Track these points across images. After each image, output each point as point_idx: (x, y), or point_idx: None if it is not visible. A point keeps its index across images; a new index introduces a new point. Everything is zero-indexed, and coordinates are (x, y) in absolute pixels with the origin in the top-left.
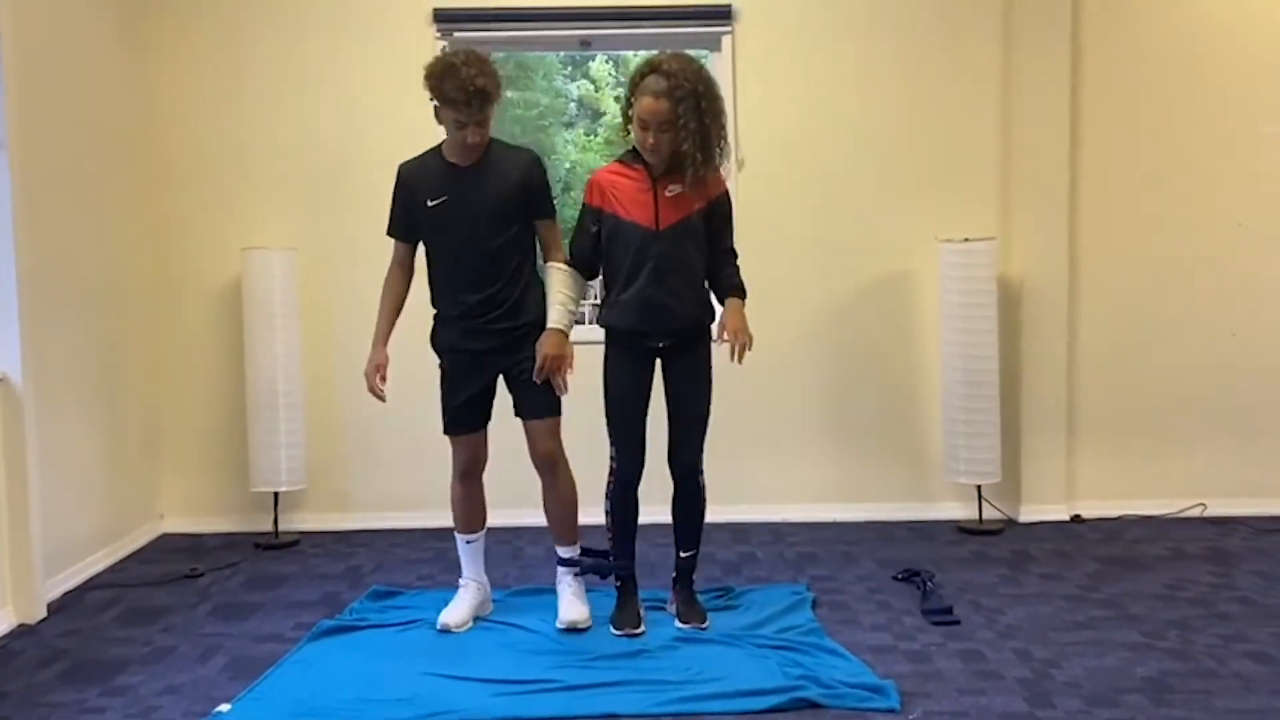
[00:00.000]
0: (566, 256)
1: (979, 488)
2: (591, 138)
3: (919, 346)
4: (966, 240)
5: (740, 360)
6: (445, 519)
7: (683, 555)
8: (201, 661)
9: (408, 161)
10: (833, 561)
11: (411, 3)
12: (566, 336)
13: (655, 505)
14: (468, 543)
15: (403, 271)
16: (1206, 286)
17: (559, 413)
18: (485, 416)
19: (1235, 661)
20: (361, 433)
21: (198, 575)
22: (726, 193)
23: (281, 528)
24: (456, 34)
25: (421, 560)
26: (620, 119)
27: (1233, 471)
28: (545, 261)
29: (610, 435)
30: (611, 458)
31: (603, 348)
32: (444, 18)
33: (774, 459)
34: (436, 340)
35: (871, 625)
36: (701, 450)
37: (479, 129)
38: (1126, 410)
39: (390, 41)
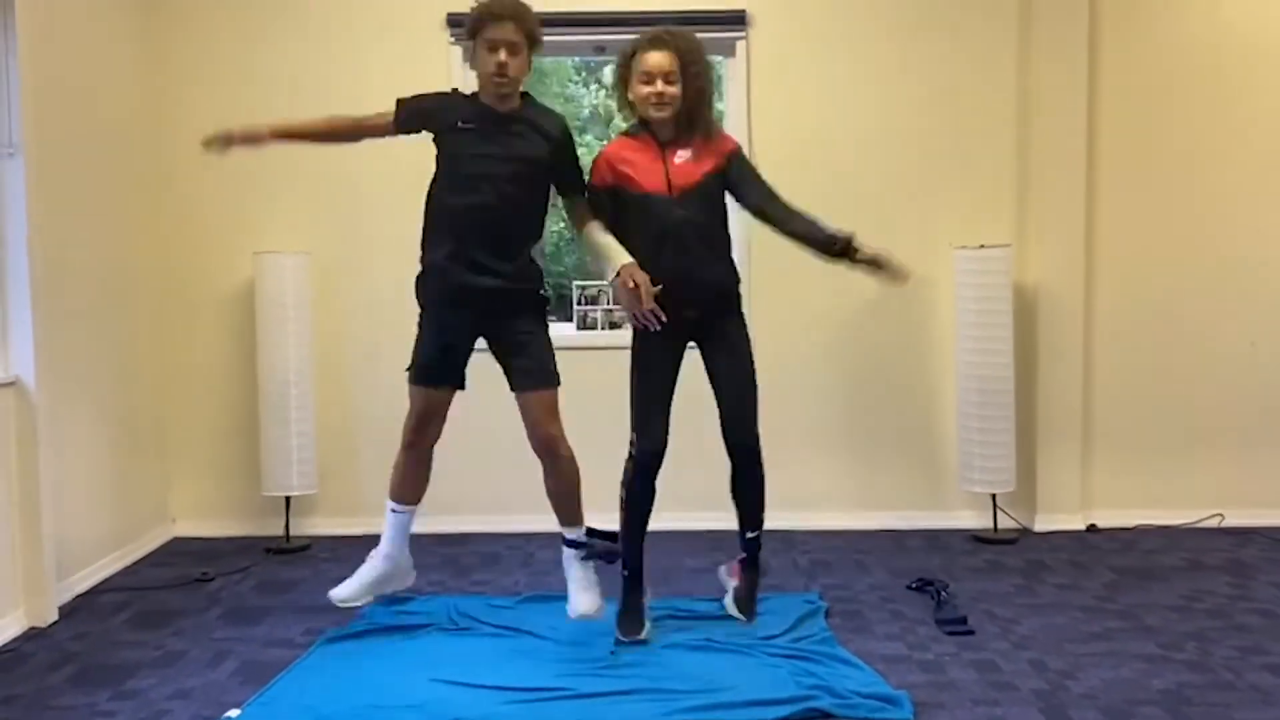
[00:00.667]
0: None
1: (994, 496)
2: (604, 143)
3: (934, 353)
4: (982, 247)
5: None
6: (456, 524)
7: (749, 536)
8: (212, 666)
9: (458, 91)
10: (846, 570)
11: (425, 8)
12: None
13: (670, 511)
14: (394, 512)
15: (358, 128)
16: (1225, 295)
17: (558, 383)
18: (458, 376)
19: (1253, 674)
20: (373, 438)
21: (209, 579)
22: (739, 147)
23: (293, 532)
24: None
25: (432, 566)
26: (616, 97)
27: (1251, 482)
28: (580, 229)
29: (632, 417)
30: (631, 443)
31: (613, 353)
32: (458, 22)
33: (786, 466)
34: (423, 289)
35: (885, 635)
36: (756, 423)
37: (512, 54)
38: (1143, 419)
39: (404, 46)
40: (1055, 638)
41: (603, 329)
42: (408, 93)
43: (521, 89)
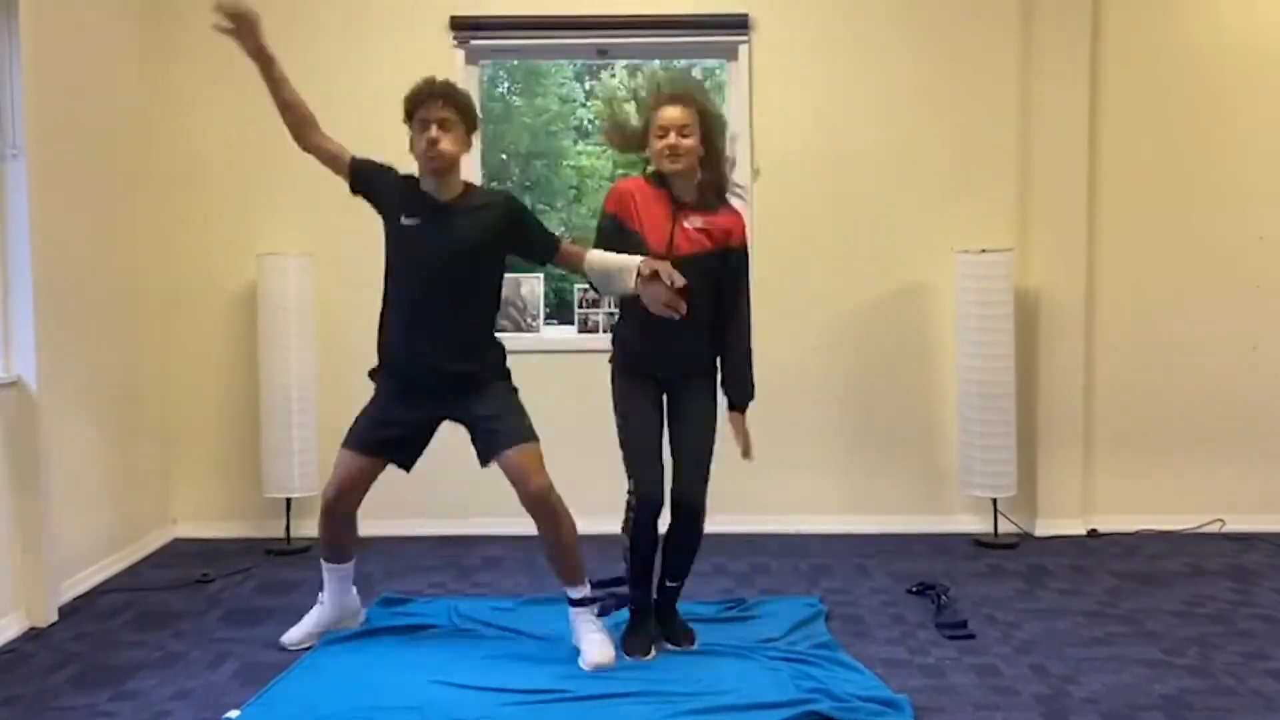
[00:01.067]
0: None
1: (995, 501)
2: (604, 148)
3: (935, 358)
4: (984, 251)
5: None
6: (457, 527)
7: (669, 584)
8: (212, 667)
9: (401, 173)
10: (846, 574)
11: (429, 10)
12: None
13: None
14: (330, 573)
15: (315, 136)
16: (1226, 299)
17: (536, 438)
18: (398, 455)
19: (1255, 680)
20: None
21: (209, 581)
22: (746, 246)
23: (294, 534)
24: (473, 42)
25: (432, 568)
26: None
27: (1252, 487)
28: (579, 265)
29: (627, 465)
30: (630, 491)
31: (596, 356)
32: (461, 25)
33: (787, 470)
34: (381, 378)
35: (885, 639)
36: (705, 483)
37: (444, 129)
38: (1144, 424)
39: (408, 49)
40: (1056, 642)
41: (604, 332)
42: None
43: (465, 178)
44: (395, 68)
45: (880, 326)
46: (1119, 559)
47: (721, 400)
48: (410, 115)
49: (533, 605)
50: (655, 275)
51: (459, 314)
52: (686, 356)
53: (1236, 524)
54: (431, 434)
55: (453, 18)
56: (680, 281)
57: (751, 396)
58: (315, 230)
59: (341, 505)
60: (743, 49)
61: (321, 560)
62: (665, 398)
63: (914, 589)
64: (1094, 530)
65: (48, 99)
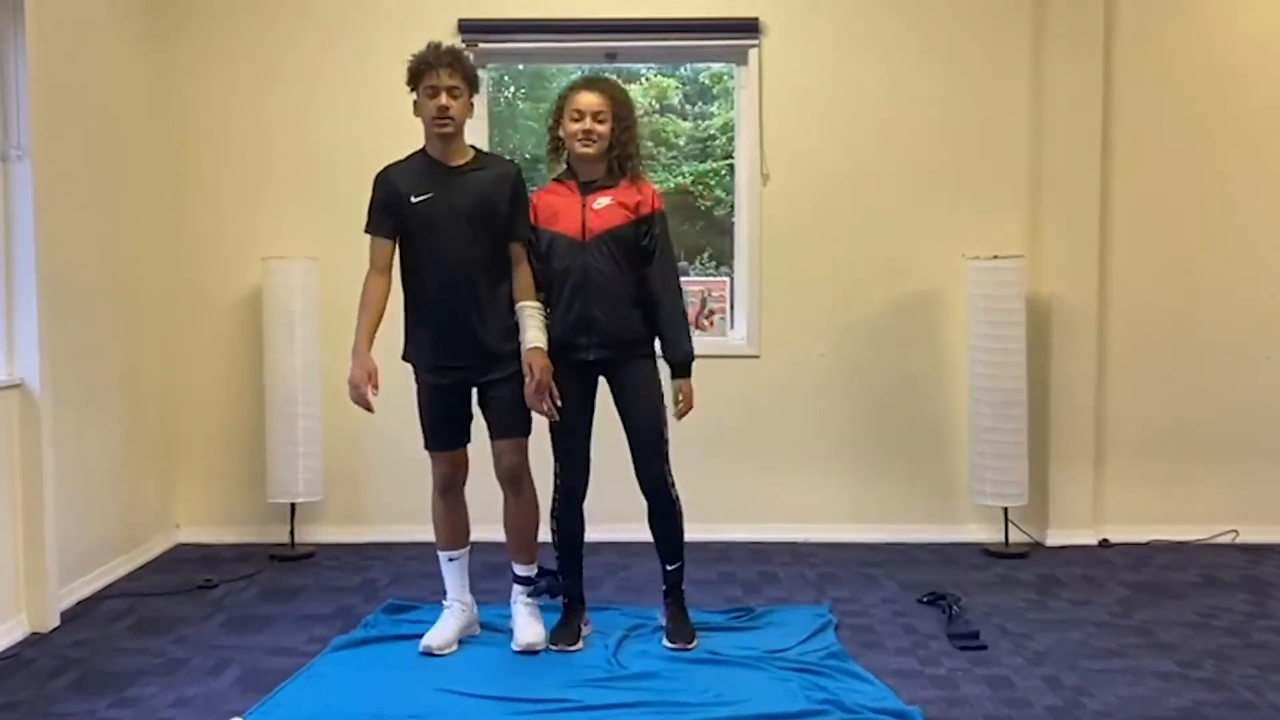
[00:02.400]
0: (533, 293)
1: (1005, 510)
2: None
3: (945, 365)
4: (995, 258)
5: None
6: None
7: (668, 569)
8: (214, 674)
9: (389, 165)
10: (855, 583)
11: (437, 13)
12: (545, 353)
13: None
14: (451, 560)
15: (382, 277)
16: (1240, 308)
17: (529, 432)
18: (466, 433)
19: (1273, 694)
20: (379, 445)
21: (212, 586)
22: (661, 211)
23: (297, 539)
24: (482, 45)
25: (438, 574)
26: (548, 140)
27: (1266, 498)
28: (515, 297)
29: (554, 453)
30: (556, 474)
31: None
32: (469, 28)
33: (795, 477)
34: (411, 354)
35: (896, 649)
36: (663, 463)
37: (452, 96)
38: (1157, 433)
39: (415, 51)
40: (1069, 654)
41: None
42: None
43: (471, 140)
44: (402, 70)
45: (890, 333)
46: (1131, 569)
47: (665, 370)
48: (415, 81)
49: None
50: (535, 382)
51: (476, 274)
52: (613, 332)
53: (1250, 535)
54: (470, 406)
55: (461, 20)
56: (551, 408)
57: (690, 358)
58: (321, 234)
59: (451, 494)
60: (753, 53)
61: (441, 554)
62: (604, 381)
63: (924, 599)
64: (1105, 540)
65: (53, 100)
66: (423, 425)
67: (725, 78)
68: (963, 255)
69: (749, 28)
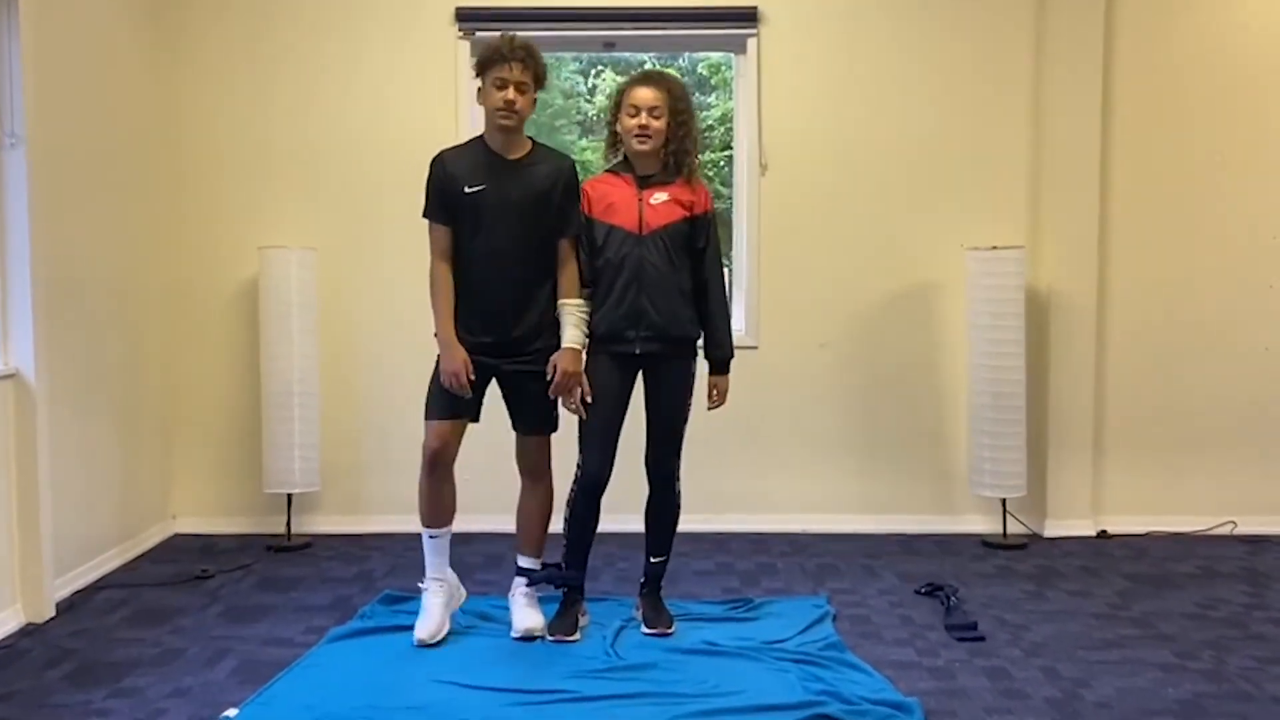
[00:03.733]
0: (577, 291)
1: (1004, 501)
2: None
3: (944, 356)
4: (994, 249)
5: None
6: (460, 524)
7: (653, 560)
8: (210, 665)
9: (446, 149)
10: (854, 574)
11: (433, 2)
12: (580, 355)
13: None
14: (432, 538)
15: (446, 263)
16: (1239, 299)
17: (556, 429)
18: (470, 408)
19: (1271, 685)
20: (376, 435)
21: (208, 577)
22: (713, 212)
23: (294, 530)
24: (479, 34)
25: None
26: (606, 135)
27: (1265, 489)
28: (559, 295)
29: (580, 440)
30: (578, 465)
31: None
32: (466, 17)
33: (794, 469)
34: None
35: (894, 640)
36: (676, 458)
37: (519, 91)
38: (1155, 424)
39: (412, 40)
40: (1068, 645)
41: None
42: (413, 85)
43: (528, 133)
44: (399, 58)
45: (889, 324)
46: (1129, 561)
47: (702, 366)
48: (484, 70)
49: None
50: (555, 384)
51: (526, 270)
52: (664, 327)
53: (1249, 526)
54: (486, 387)
55: (458, 9)
56: (580, 407)
57: (731, 355)
58: (318, 224)
59: (439, 471)
60: (751, 42)
61: (425, 533)
62: (641, 374)
63: (922, 590)
64: (1104, 531)
65: (48, 87)
66: (429, 391)
67: (724, 68)
68: (962, 246)
69: (748, 17)
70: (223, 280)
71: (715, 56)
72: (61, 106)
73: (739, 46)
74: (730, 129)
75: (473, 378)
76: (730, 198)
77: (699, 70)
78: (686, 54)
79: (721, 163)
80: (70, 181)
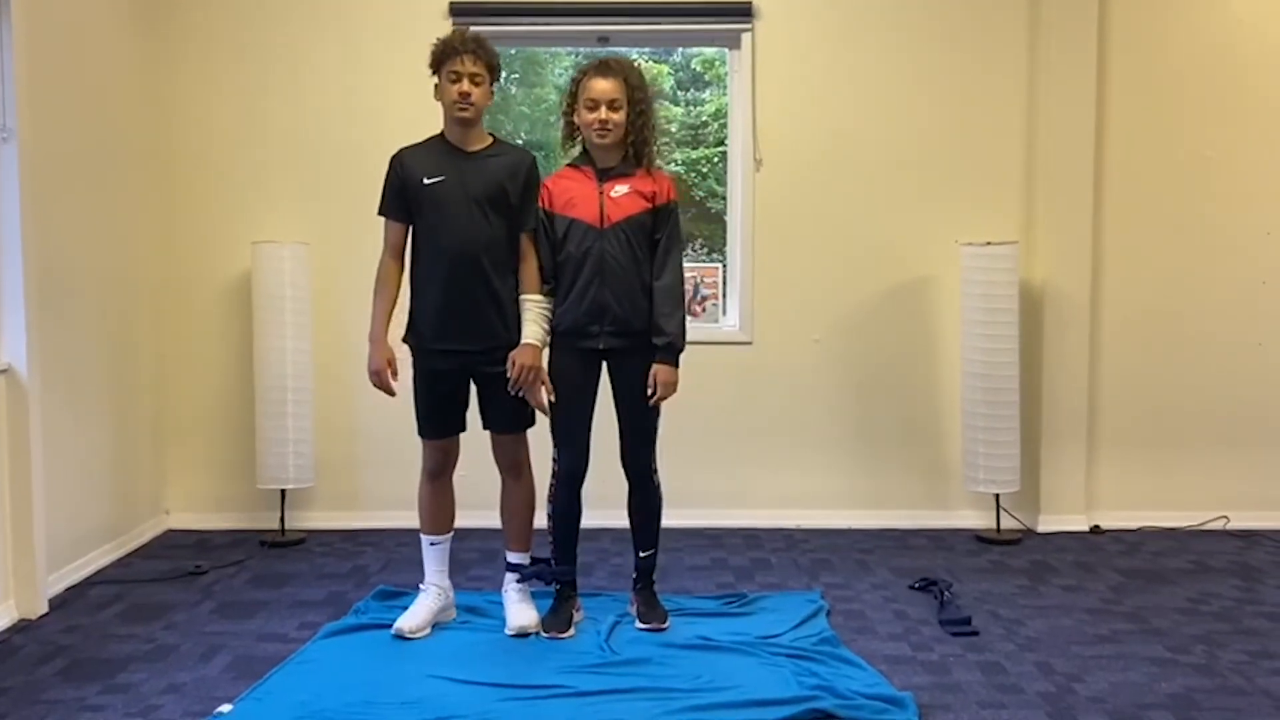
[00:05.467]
0: (538, 286)
1: (997, 496)
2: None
3: (938, 351)
4: (988, 244)
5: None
6: (456, 520)
7: (642, 555)
8: (204, 660)
9: (405, 147)
10: (848, 569)
11: None
12: (540, 351)
13: (669, 509)
14: (433, 545)
15: (396, 261)
16: (1232, 295)
17: (531, 425)
18: (461, 422)
19: (1263, 679)
20: (370, 431)
21: (202, 572)
22: (675, 203)
23: (288, 526)
24: (473, 28)
25: None
26: (561, 125)
27: (1257, 484)
28: (520, 290)
29: (553, 436)
30: (554, 460)
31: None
32: (460, 11)
33: (788, 464)
34: (413, 335)
35: (888, 635)
36: (649, 453)
37: (474, 83)
38: (1148, 420)
39: (405, 34)
40: (1061, 640)
41: None
42: (407, 80)
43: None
44: (392, 53)
45: (883, 319)
46: (1123, 555)
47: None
48: (438, 65)
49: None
50: (524, 368)
51: (485, 261)
52: (625, 320)
53: (1241, 521)
54: (468, 392)
55: (451, 3)
56: (544, 404)
57: (676, 345)
58: (311, 218)
59: (439, 480)
60: (746, 37)
61: (424, 539)
62: (606, 367)
63: (916, 585)
64: (1097, 526)
65: (40, 81)
66: (417, 412)
67: (717, 64)
68: (956, 241)
69: (742, 11)
70: (215, 275)
71: (709, 52)
72: (53, 101)
73: (733, 42)
74: (724, 125)
75: (396, 378)
76: (724, 194)
77: (693, 66)
78: (680, 49)
79: (715, 159)
80: (62, 176)
